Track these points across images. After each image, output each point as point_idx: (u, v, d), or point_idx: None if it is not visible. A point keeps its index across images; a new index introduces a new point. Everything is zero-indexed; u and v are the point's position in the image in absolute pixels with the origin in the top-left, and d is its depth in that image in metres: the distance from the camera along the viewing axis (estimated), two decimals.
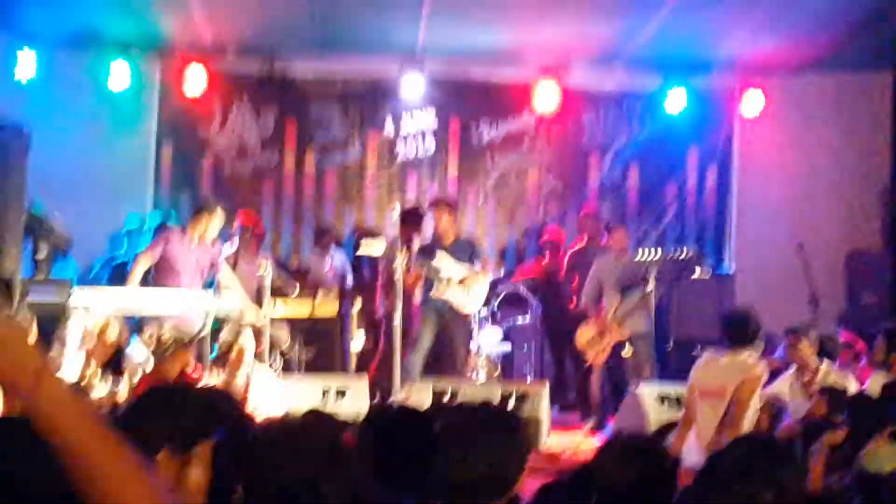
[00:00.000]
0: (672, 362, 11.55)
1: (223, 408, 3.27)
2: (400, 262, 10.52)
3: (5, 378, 1.98)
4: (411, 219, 12.31)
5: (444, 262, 10.75)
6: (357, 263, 13.23)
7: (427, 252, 11.07)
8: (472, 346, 12.45)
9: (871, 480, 5.09)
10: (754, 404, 7.82)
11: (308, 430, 3.02)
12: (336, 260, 13.08)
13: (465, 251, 11.13)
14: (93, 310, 8.91)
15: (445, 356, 11.02)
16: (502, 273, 13.82)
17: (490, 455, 3.65)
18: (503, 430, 3.80)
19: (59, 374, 2.08)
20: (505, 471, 3.69)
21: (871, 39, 13.02)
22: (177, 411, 3.03)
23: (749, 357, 7.92)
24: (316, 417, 4.17)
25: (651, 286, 10.49)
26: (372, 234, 12.29)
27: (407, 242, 11.61)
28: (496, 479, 3.65)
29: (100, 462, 1.96)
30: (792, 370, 8.49)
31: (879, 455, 5.77)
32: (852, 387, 8.10)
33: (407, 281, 10.87)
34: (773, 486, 3.55)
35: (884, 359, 8.51)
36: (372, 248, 11.05)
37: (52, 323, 9.34)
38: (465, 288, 10.75)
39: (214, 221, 10.56)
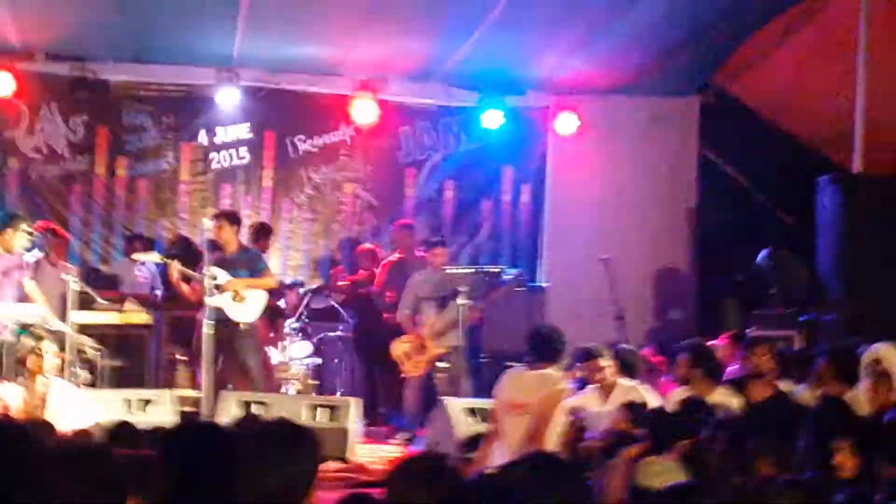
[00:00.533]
0: (484, 375, 11.67)
1: None
2: (175, 273, 10.60)
3: None
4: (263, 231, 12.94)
5: (218, 273, 10.62)
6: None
7: (205, 263, 10.95)
8: (280, 358, 12.44)
9: (644, 494, 5.23)
10: (558, 418, 7.94)
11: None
12: (146, 269, 12.87)
13: (245, 261, 11.04)
14: None
15: (238, 369, 10.87)
16: (314, 286, 13.82)
17: (280, 470, 3.65)
18: (293, 444, 3.79)
19: None
20: (295, 485, 3.68)
21: (679, 64, 13.47)
22: None
23: (554, 372, 8.05)
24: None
25: (462, 300, 10.58)
26: (186, 242, 12.10)
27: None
28: (286, 494, 3.64)
29: None
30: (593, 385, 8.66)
31: (652, 470, 5.95)
32: (653, 401, 8.29)
33: (183, 291, 10.82)
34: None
35: (685, 374, 8.71)
36: (147, 256, 11.02)
37: None
38: (239, 298, 10.63)
39: (19, 235, 10.29)
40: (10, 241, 10.21)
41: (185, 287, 10.77)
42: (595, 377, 8.51)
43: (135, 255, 11.33)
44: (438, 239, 12.45)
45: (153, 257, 10.97)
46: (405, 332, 11.47)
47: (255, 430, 4.16)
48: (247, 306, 10.62)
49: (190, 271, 10.70)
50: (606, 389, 8.47)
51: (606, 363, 8.51)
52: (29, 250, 10.74)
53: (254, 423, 4.55)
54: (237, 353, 10.75)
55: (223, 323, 10.53)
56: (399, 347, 11.37)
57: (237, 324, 10.69)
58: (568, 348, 8.64)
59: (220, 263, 10.67)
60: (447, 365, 11.26)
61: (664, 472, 5.80)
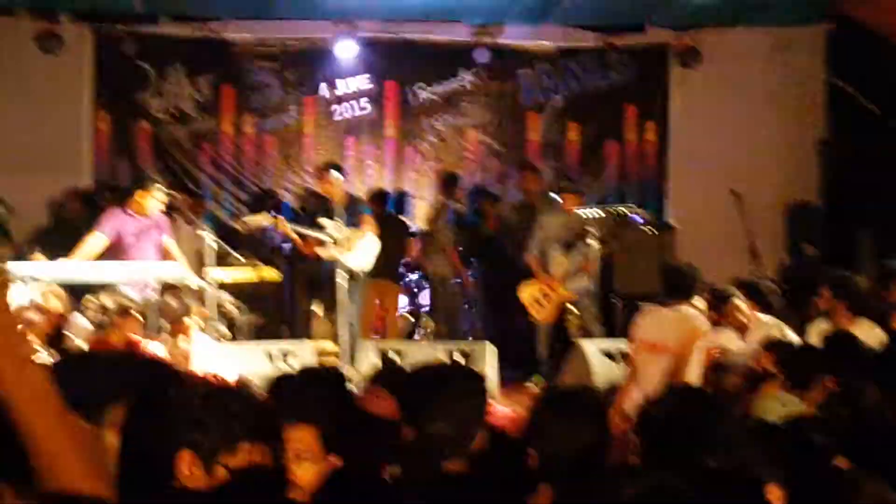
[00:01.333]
0: (617, 318, 11.64)
1: (137, 371, 3.21)
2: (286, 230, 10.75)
3: None
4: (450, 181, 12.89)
5: (328, 224, 10.67)
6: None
7: (313, 216, 10.99)
8: (410, 306, 12.59)
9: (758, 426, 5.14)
10: (698, 357, 7.88)
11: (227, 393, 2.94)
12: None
13: (350, 209, 11.05)
14: (33, 281, 8.84)
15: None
16: None
17: (454, 412, 3.69)
18: (465, 387, 3.84)
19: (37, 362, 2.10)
20: (467, 427, 3.73)
21: None
22: (83, 377, 3.00)
23: (691, 310, 7.98)
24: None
25: (593, 243, 10.54)
26: (318, 197, 12.14)
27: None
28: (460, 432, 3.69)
29: (55, 448, 2.01)
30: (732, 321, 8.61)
31: (765, 404, 5.87)
32: (791, 336, 8.22)
33: (300, 247, 10.91)
34: (703, 439, 3.64)
35: (827, 307, 8.60)
36: (255, 219, 11.06)
37: None
38: (348, 247, 10.63)
39: (152, 197, 10.50)
40: (144, 203, 10.41)
41: (300, 242, 10.88)
42: (730, 318, 8.47)
43: (245, 219, 11.40)
44: (567, 184, 12.38)
45: (261, 220, 11.01)
46: (533, 275, 11.45)
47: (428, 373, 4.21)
48: (357, 255, 10.67)
49: (299, 227, 10.79)
50: (743, 327, 8.43)
51: (740, 302, 8.46)
52: (164, 211, 10.96)
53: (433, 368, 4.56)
54: (357, 303, 10.83)
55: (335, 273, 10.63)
56: (527, 291, 11.36)
57: (355, 272, 10.75)
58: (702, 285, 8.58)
59: (328, 214, 10.74)
60: (576, 308, 11.22)
61: (785, 404, 5.73)
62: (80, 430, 2.21)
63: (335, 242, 10.56)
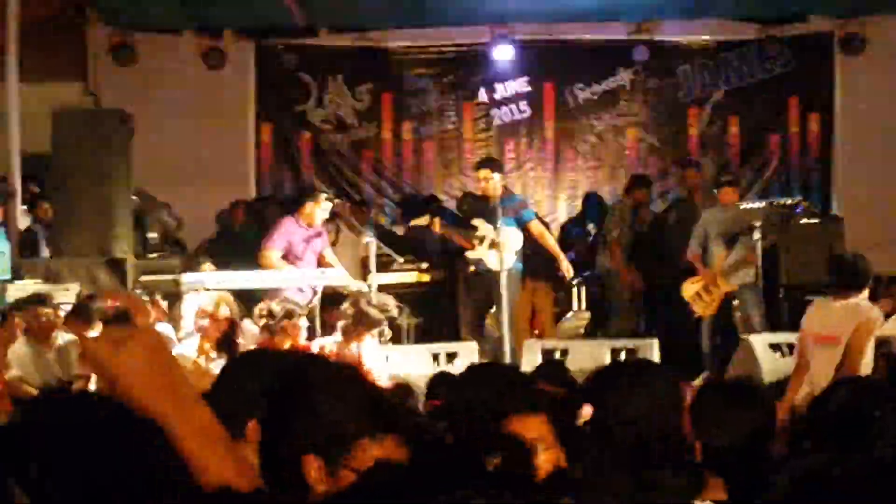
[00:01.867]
0: (783, 311, 11.42)
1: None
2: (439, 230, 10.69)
3: (149, 404, 2.04)
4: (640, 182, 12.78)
5: (480, 225, 10.56)
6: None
7: (470, 217, 10.89)
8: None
9: None
10: (870, 349, 7.71)
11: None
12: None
13: (510, 208, 10.85)
14: (204, 289, 9.09)
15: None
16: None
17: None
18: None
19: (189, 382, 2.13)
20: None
21: None
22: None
23: (861, 301, 7.80)
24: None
25: (757, 236, 10.35)
26: (475, 198, 12.09)
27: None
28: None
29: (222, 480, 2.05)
30: None
31: None
32: None
33: (463, 243, 10.84)
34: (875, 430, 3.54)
35: None
36: (417, 221, 11.06)
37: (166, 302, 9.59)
38: (496, 246, 10.46)
39: (319, 208, 10.65)
40: (310, 214, 10.57)
41: (460, 239, 10.82)
42: None
43: (412, 223, 11.45)
44: (728, 178, 12.16)
45: (420, 222, 11.03)
46: (696, 271, 11.29)
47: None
48: (503, 254, 10.40)
49: (454, 227, 10.75)
50: None
51: None
52: (329, 220, 11.15)
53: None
54: (498, 302, 10.66)
55: (488, 272, 10.56)
56: (690, 288, 11.21)
57: (497, 272, 10.56)
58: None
59: (484, 214, 10.68)
60: (739, 302, 11.03)
61: None
62: (245, 464, 2.21)
63: (482, 241, 10.53)
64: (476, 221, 10.60)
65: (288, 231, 10.49)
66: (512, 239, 10.58)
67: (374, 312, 8.43)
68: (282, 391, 2.65)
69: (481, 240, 10.51)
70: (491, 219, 10.30)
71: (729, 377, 9.24)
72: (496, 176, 10.61)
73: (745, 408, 3.96)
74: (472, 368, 4.79)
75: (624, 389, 3.74)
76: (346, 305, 8.59)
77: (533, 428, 3.49)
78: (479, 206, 10.78)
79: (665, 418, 3.67)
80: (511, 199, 10.90)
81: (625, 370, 4.13)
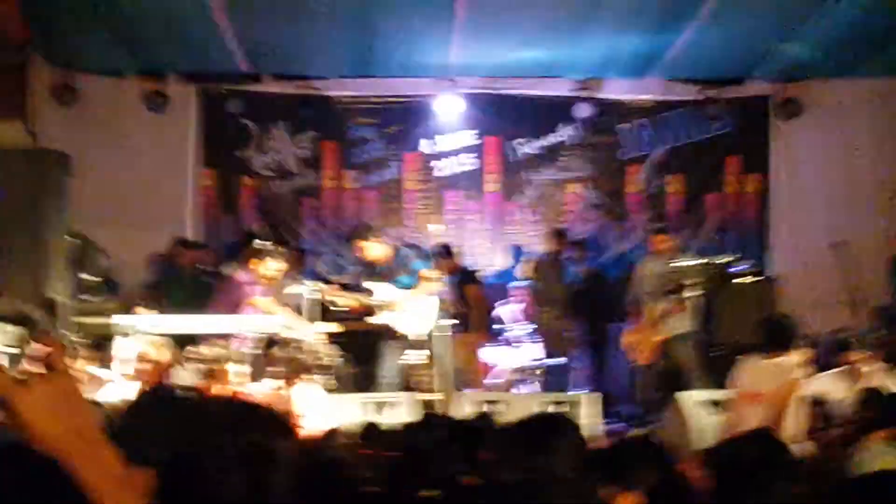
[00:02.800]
0: (719, 367, 11.53)
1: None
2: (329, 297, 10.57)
3: (53, 444, 2.05)
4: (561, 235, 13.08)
5: (374, 288, 10.49)
6: None
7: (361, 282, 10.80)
8: (514, 361, 12.58)
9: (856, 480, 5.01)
10: (795, 406, 7.80)
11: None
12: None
13: (400, 267, 10.72)
14: (139, 333, 9.05)
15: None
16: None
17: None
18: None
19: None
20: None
21: None
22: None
23: (789, 360, 7.91)
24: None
25: (688, 294, 10.46)
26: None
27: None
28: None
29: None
30: (839, 369, 8.51)
31: (866, 455, 5.75)
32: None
33: (355, 312, 10.76)
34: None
35: None
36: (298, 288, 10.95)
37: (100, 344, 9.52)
38: (403, 310, 10.40)
39: (263, 266, 10.60)
40: (254, 270, 10.54)
41: (354, 307, 10.68)
42: (848, 366, 8.39)
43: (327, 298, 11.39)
44: (661, 226, 12.31)
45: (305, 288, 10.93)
46: (631, 320, 11.39)
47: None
48: (413, 318, 10.37)
49: (343, 294, 10.65)
50: (855, 377, 8.32)
51: (859, 355, 8.36)
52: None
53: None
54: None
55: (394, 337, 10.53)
56: (627, 337, 11.33)
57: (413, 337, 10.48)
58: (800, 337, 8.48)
59: (374, 277, 10.60)
60: (672, 350, 11.14)
61: (880, 455, 5.62)
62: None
63: (383, 307, 10.45)
64: (371, 286, 10.50)
65: (247, 282, 10.44)
66: (423, 302, 10.51)
67: (303, 358, 8.41)
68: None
69: (380, 305, 10.44)
70: (385, 282, 10.24)
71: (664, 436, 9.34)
72: (366, 244, 10.56)
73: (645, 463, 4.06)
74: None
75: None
76: (275, 350, 8.59)
77: None
78: (369, 271, 10.67)
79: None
80: (398, 257, 10.82)
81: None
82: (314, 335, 10.11)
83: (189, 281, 12.45)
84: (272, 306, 10.38)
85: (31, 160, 10.81)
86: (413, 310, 10.35)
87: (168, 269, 12.97)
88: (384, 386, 10.43)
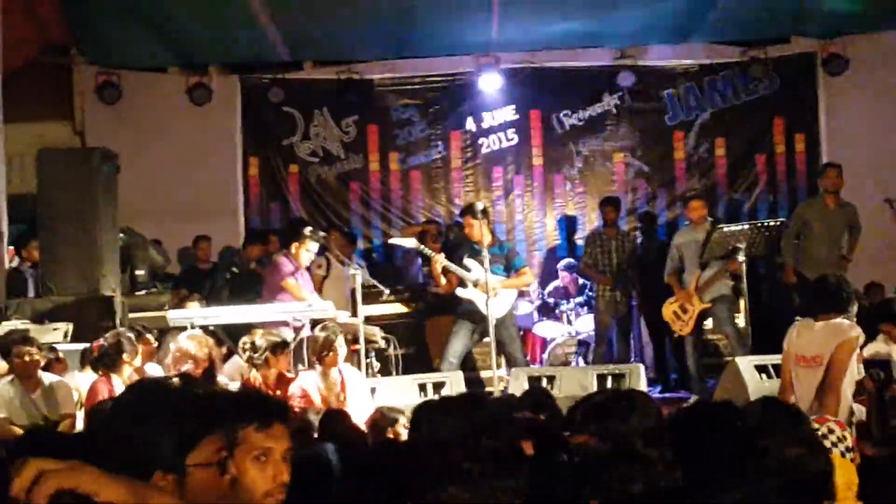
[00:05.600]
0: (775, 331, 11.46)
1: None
2: (438, 266, 10.48)
3: None
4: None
5: (474, 266, 10.49)
6: None
7: (458, 257, 10.80)
8: (565, 335, 12.59)
9: None
10: (852, 368, 7.72)
11: None
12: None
13: (502, 257, 10.74)
14: (189, 326, 9.11)
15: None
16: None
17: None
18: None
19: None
20: None
21: None
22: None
23: (843, 322, 7.82)
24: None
25: (742, 257, 10.35)
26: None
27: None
28: None
29: None
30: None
31: None
32: None
33: (440, 283, 10.75)
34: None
35: None
36: (403, 241, 11.01)
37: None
38: (493, 293, 10.31)
39: (304, 249, 10.70)
40: (297, 255, 10.64)
41: (443, 280, 10.68)
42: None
43: (391, 240, 11.47)
44: (693, 193, 12.21)
45: (410, 243, 10.97)
46: (674, 292, 11.31)
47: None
48: (498, 302, 10.35)
49: (452, 265, 10.65)
50: None
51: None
52: (318, 253, 11.19)
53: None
54: (500, 344, 10.56)
55: (478, 314, 10.49)
56: (668, 308, 11.25)
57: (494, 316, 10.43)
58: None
59: (475, 256, 10.56)
60: (713, 319, 11.06)
61: None
62: None
63: (476, 285, 10.47)
64: (471, 263, 10.56)
65: (287, 266, 10.55)
66: (508, 293, 10.60)
67: (322, 335, 8.41)
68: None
69: (475, 283, 10.49)
70: (483, 264, 10.25)
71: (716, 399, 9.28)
72: (475, 222, 10.53)
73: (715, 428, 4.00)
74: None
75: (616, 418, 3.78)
76: (315, 335, 8.62)
77: None
78: (471, 248, 10.70)
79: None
80: (501, 248, 10.87)
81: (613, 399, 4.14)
82: (359, 319, 10.12)
83: (245, 273, 12.59)
84: (300, 291, 10.45)
85: (79, 159, 10.87)
86: (500, 296, 10.38)
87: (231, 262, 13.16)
88: (445, 366, 10.45)
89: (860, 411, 7.51)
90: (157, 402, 2.80)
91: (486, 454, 2.87)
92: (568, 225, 14.69)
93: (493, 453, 2.89)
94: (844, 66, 14.11)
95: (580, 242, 13.94)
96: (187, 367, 7.89)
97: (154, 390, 2.94)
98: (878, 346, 8.44)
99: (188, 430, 2.71)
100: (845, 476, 4.14)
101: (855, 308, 7.96)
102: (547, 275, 13.94)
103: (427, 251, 10.82)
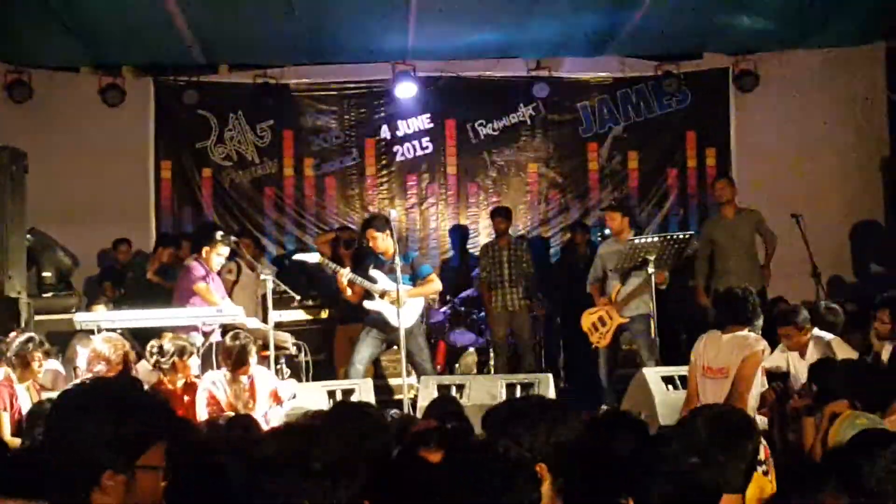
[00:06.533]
0: (676, 343, 11.61)
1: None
2: (343, 280, 10.41)
3: None
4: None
5: (379, 278, 10.48)
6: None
7: (364, 267, 10.78)
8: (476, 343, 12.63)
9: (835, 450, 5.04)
10: (757, 380, 7.83)
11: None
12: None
13: (408, 266, 10.59)
14: (97, 330, 9.02)
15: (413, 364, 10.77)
16: None
17: None
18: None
19: None
20: None
21: (859, 14, 12.99)
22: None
23: (749, 334, 7.92)
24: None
25: (651, 269, 10.45)
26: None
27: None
28: None
29: None
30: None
31: (849, 425, 5.79)
32: (849, 355, 8.17)
33: (346, 295, 10.69)
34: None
35: (889, 329, 8.54)
36: (306, 257, 10.91)
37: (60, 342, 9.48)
38: (399, 304, 10.30)
39: (215, 253, 10.67)
40: (207, 259, 10.61)
41: (349, 291, 10.61)
42: (791, 339, 8.51)
43: (295, 256, 11.37)
44: (610, 203, 12.31)
45: (314, 258, 10.89)
46: (594, 303, 11.37)
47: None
48: (405, 311, 10.22)
49: (358, 278, 10.60)
50: (802, 348, 8.45)
51: (803, 324, 8.48)
52: (229, 258, 11.13)
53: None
54: (409, 354, 10.52)
55: (386, 324, 10.47)
56: (588, 318, 11.31)
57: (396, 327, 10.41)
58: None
59: (380, 267, 10.56)
60: (631, 332, 11.15)
61: (861, 425, 5.64)
62: None
63: (382, 296, 10.43)
64: (377, 274, 10.52)
65: (198, 270, 10.49)
66: (415, 302, 10.57)
67: (236, 345, 8.39)
68: None
69: (381, 294, 10.45)
70: (390, 276, 10.23)
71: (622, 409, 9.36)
72: (378, 234, 10.52)
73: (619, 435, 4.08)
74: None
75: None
76: (227, 340, 8.60)
77: None
78: (375, 259, 10.66)
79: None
80: (406, 257, 10.79)
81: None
82: (270, 324, 10.08)
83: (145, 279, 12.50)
84: (212, 295, 10.41)
85: None
86: (408, 305, 10.32)
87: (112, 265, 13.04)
88: (352, 372, 10.41)
89: (762, 422, 7.63)
90: (104, 402, 2.87)
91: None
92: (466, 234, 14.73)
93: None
94: (755, 83, 14.35)
95: None
96: (100, 368, 7.82)
97: (98, 389, 3.01)
98: (777, 358, 8.61)
99: (131, 432, 2.80)
100: (755, 488, 4.21)
101: (761, 321, 8.08)
102: (459, 283, 13.94)
103: (331, 267, 10.65)
